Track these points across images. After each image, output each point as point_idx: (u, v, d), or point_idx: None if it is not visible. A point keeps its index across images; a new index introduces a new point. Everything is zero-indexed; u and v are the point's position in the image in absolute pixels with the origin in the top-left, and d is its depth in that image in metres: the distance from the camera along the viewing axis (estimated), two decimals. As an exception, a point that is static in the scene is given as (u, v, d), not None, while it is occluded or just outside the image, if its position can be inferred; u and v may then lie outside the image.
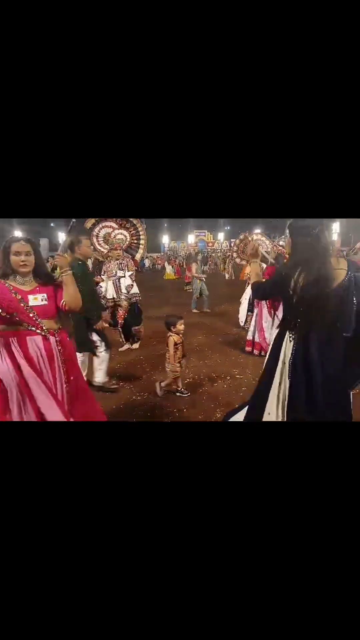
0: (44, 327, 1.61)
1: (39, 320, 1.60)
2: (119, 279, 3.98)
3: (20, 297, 1.57)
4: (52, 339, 1.63)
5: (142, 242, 4.56)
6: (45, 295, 1.63)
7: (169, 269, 15.31)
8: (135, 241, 4.54)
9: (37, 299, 1.61)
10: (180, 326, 2.83)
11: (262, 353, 3.79)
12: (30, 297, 1.60)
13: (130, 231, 4.48)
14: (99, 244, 4.37)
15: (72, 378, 1.72)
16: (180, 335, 2.84)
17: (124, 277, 3.99)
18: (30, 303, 1.59)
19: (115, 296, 3.96)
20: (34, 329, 1.59)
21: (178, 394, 2.85)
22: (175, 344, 2.79)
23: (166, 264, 15.97)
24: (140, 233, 4.53)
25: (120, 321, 4.01)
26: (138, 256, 4.62)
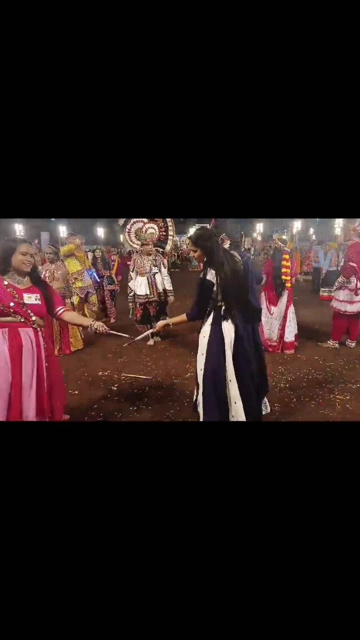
0: (34, 322, 1.75)
1: (32, 315, 1.73)
2: (153, 275, 3.91)
3: (16, 294, 1.69)
4: (39, 333, 1.76)
5: (170, 233, 4.45)
6: (38, 295, 1.77)
7: None
8: (164, 234, 4.45)
9: (31, 298, 1.74)
10: None
11: (262, 348, 3.82)
12: (25, 295, 1.73)
13: (159, 224, 4.37)
14: (131, 241, 4.31)
15: (52, 371, 1.87)
16: None
17: (158, 273, 3.92)
18: (25, 301, 1.72)
19: (148, 293, 3.88)
20: (25, 321, 1.71)
21: None
22: None
23: None
24: (169, 224, 4.40)
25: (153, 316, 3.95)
26: (168, 248, 4.54)
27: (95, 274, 5.16)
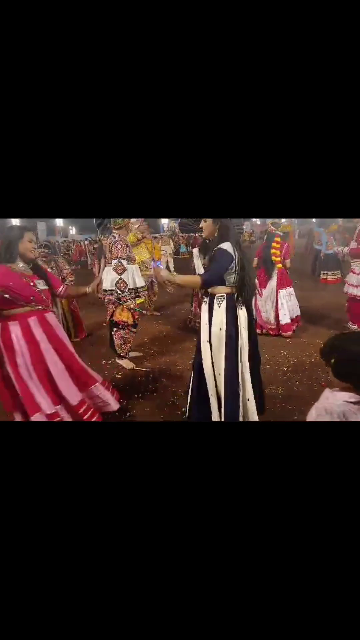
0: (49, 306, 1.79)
1: (47, 300, 1.77)
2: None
3: (31, 281, 1.72)
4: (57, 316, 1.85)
5: None
6: (42, 281, 1.78)
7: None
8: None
9: (40, 284, 1.76)
10: None
11: (263, 331, 3.85)
12: (36, 281, 1.74)
13: None
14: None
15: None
16: None
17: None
18: (39, 287, 1.74)
19: (143, 284, 3.33)
20: (44, 307, 1.76)
21: None
22: None
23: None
24: None
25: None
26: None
27: (160, 264, 5.19)
